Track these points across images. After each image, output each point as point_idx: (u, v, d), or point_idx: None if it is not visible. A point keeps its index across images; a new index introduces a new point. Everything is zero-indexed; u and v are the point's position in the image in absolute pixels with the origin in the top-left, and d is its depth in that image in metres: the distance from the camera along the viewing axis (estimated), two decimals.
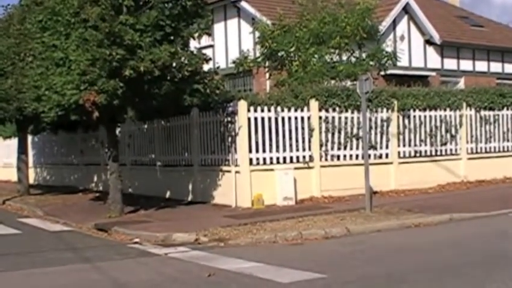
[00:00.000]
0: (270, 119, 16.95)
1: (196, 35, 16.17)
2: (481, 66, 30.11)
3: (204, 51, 18.23)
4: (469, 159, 20.46)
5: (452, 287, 8.06)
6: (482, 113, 20.92)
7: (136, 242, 12.70)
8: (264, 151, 16.86)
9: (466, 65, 29.55)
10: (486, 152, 20.98)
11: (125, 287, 8.86)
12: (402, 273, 8.93)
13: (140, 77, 14.49)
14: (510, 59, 31.25)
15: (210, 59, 17.14)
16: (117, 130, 18.61)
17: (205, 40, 19.91)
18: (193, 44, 17.26)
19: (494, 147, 21.23)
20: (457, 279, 8.45)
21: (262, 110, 16.88)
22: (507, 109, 21.55)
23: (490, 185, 19.74)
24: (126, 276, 9.46)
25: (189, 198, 18.69)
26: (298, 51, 19.22)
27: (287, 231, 12.56)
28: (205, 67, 16.98)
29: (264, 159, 16.88)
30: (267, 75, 21.12)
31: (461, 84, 28.11)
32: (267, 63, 20.29)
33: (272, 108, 17.00)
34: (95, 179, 25.08)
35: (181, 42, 15.59)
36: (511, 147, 21.64)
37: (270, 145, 16.95)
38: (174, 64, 15.18)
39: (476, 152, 20.74)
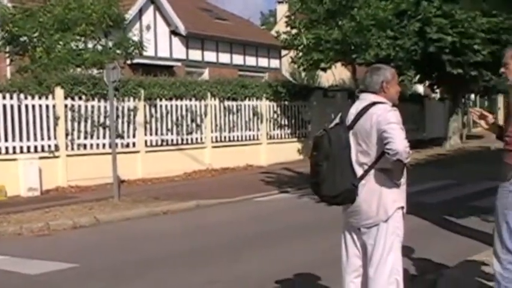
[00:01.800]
0: (12, 106, 16.19)
1: None
2: (224, 58, 31.12)
3: None
4: (214, 147, 21.13)
5: (202, 268, 8.29)
6: (226, 103, 21.68)
7: None
8: (6, 140, 16.07)
9: (210, 56, 30.37)
10: (230, 140, 21.79)
11: None
12: (153, 259, 9.01)
13: None
14: (251, 52, 32.67)
15: None
16: None
17: None
18: None
19: (238, 136, 22.11)
20: (206, 262, 8.72)
21: (4, 97, 16.08)
22: (249, 100, 22.53)
23: (233, 172, 20.54)
24: None
25: None
26: (41, 37, 18.52)
27: (33, 222, 12.10)
28: None
29: (7, 148, 16.07)
30: (8, 61, 20.12)
31: (206, 75, 28.84)
32: (7, 49, 19.32)
33: (15, 96, 16.26)
34: None
35: None
36: (253, 136, 22.69)
37: (13, 134, 16.19)
38: None
39: (221, 141, 21.47)
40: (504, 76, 5.36)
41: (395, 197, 5.02)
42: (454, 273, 7.26)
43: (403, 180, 5.08)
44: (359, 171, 5.03)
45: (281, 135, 23.92)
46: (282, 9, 44.51)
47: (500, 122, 5.71)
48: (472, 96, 43.34)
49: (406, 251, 5.30)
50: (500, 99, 48.82)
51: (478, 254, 7.84)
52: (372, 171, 5.01)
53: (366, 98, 5.17)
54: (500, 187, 5.15)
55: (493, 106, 49.36)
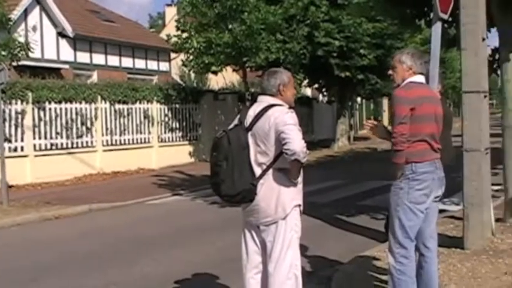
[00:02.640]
0: None
1: None
2: (113, 60, 30.64)
3: None
4: (105, 151, 20.90)
5: (98, 272, 8.23)
6: (117, 106, 21.50)
7: None
8: None
9: (98, 59, 29.86)
10: (121, 144, 21.62)
11: None
12: (47, 264, 8.89)
13: None
14: (140, 54, 32.35)
15: None
16: None
17: None
18: None
19: (129, 139, 21.96)
20: (102, 265, 8.67)
21: None
22: (140, 103, 22.42)
23: (125, 176, 20.36)
24: None
25: None
26: None
27: None
28: None
29: None
30: None
31: (95, 77, 28.37)
32: None
33: None
34: None
35: None
36: (144, 139, 22.59)
37: None
38: None
39: (112, 144, 21.26)
40: (392, 78, 5.64)
41: (293, 196, 5.20)
42: (348, 268, 7.53)
43: (300, 179, 5.27)
44: (258, 171, 5.17)
45: (172, 138, 23.93)
46: (171, 12, 44.54)
47: (385, 123, 5.98)
48: (359, 99, 44.60)
49: (301, 249, 5.47)
50: (385, 102, 50.49)
51: (370, 250, 8.17)
52: (270, 171, 5.16)
53: (263, 100, 5.32)
54: (393, 185, 5.42)
55: (379, 109, 51.01)
